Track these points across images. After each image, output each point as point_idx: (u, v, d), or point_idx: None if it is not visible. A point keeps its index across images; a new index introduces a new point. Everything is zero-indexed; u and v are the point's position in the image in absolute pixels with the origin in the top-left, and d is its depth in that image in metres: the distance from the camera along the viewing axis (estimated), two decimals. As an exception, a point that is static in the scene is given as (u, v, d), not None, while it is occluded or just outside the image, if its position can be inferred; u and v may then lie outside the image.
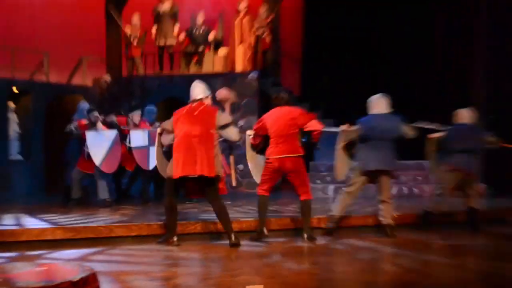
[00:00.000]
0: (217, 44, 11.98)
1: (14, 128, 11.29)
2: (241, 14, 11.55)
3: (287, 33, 13.80)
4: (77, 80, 12.62)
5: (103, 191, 8.65)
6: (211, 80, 10.68)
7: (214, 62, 11.83)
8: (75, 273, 3.06)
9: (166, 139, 6.21)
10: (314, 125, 6.25)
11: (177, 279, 4.44)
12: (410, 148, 10.36)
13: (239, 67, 11.55)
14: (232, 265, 5.18)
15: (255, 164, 6.77)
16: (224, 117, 6.26)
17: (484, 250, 6.11)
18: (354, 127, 6.71)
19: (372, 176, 6.31)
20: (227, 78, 11.20)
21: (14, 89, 11.16)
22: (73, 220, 7.05)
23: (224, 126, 6.07)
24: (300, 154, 6.28)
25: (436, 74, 11.45)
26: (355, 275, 4.72)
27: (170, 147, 6.18)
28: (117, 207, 8.59)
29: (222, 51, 11.93)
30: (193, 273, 4.78)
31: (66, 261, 5.04)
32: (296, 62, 14.03)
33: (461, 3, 10.98)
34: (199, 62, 11.75)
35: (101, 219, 7.10)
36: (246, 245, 6.00)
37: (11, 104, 11.17)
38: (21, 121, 11.42)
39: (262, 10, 11.70)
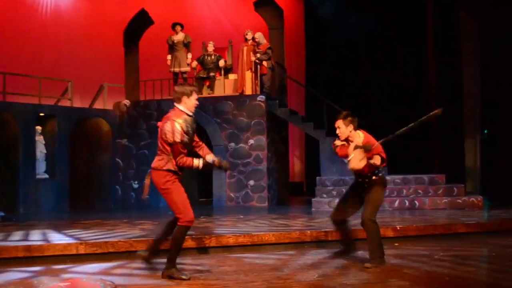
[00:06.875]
0: (227, 70, 12.32)
1: (40, 149, 11.56)
2: (248, 43, 11.69)
3: (292, 62, 14.47)
4: (98, 105, 13.05)
5: None
6: (223, 103, 11.40)
7: (225, 86, 12.12)
8: (97, 288, 2.71)
9: None
10: None
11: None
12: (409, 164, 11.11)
13: (248, 90, 11.79)
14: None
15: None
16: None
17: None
18: None
19: None
20: (238, 100, 11.48)
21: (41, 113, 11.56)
22: (95, 235, 6.99)
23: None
24: None
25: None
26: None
27: None
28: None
29: (232, 76, 12.25)
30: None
31: (89, 275, 4.90)
32: (301, 87, 14.29)
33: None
34: (211, 87, 12.10)
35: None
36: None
37: (38, 128, 11.52)
38: (47, 143, 11.75)
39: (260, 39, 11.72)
